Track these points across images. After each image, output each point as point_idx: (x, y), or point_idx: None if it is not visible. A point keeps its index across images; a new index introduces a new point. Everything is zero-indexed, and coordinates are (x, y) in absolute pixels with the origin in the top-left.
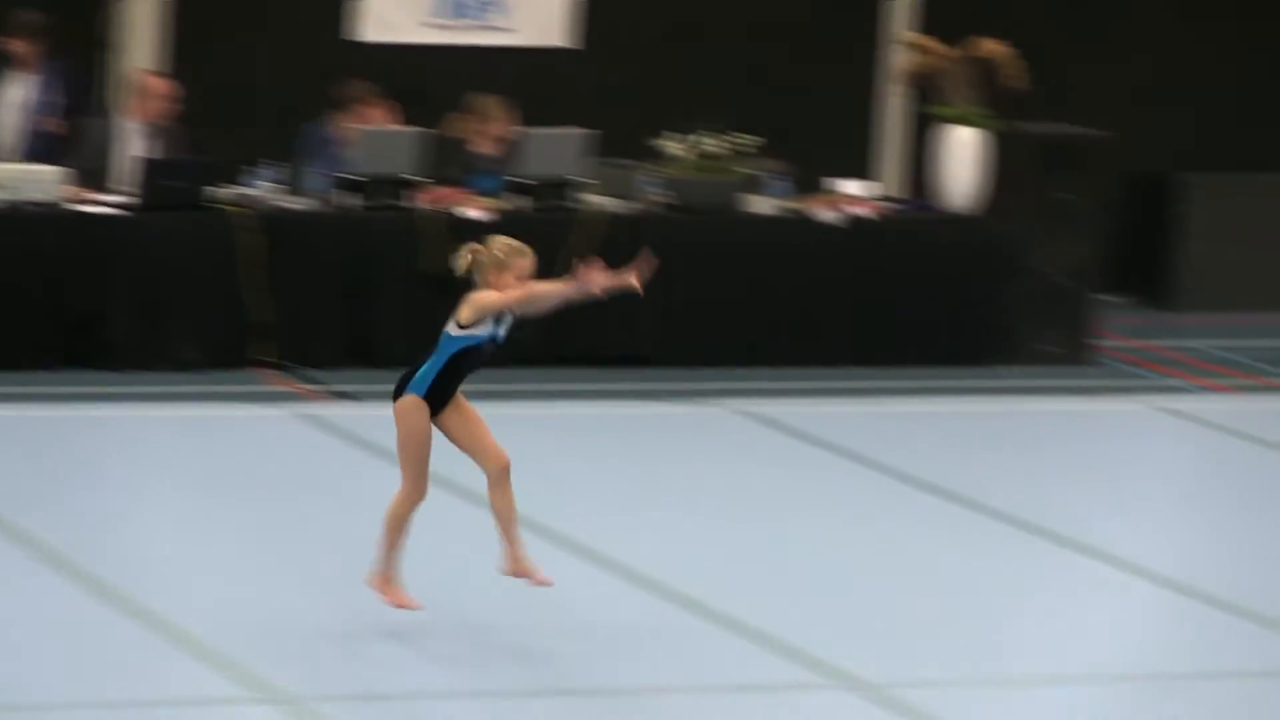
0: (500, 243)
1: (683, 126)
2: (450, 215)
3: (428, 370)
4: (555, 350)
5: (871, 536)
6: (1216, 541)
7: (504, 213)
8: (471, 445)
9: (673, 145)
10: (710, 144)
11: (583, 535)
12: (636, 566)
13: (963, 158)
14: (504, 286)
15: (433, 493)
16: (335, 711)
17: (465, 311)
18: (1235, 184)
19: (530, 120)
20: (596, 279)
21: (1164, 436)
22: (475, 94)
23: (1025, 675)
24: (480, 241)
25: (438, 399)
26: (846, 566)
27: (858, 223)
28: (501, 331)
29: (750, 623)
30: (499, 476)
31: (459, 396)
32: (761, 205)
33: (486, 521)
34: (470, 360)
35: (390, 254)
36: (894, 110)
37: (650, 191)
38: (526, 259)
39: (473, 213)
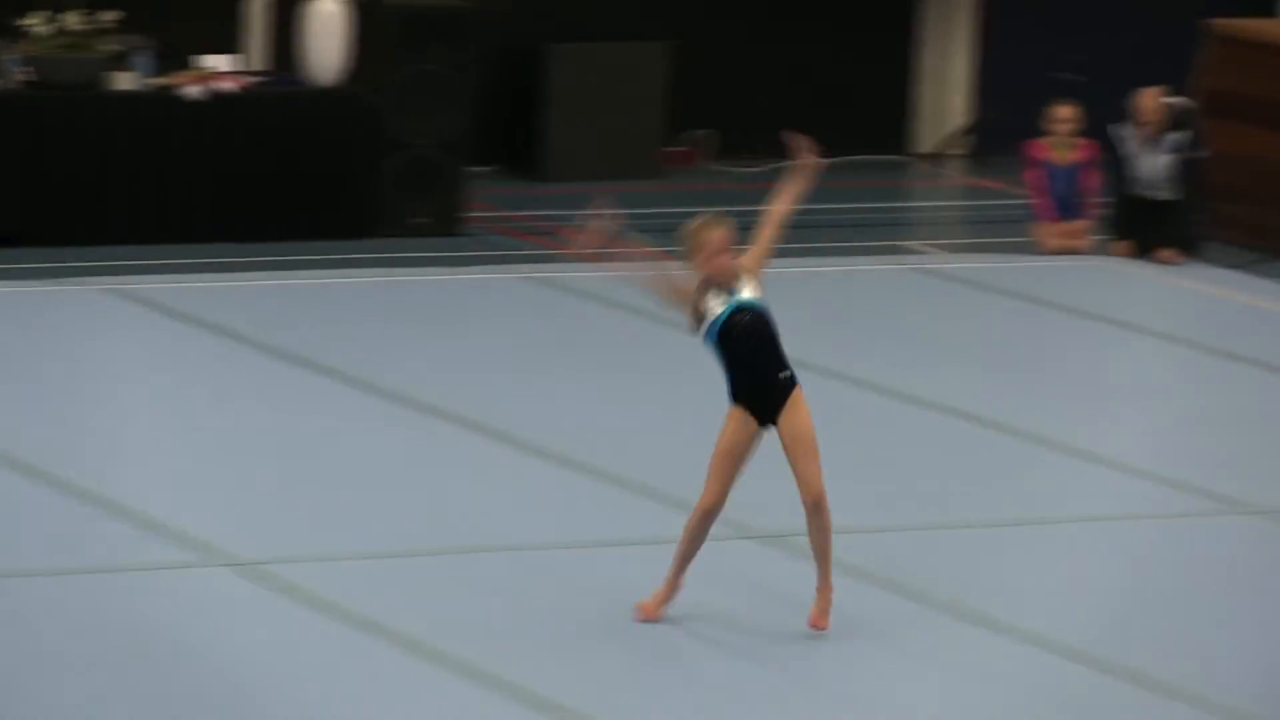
0: (690, 226)
1: (47, 4)
2: None
3: (728, 373)
4: None
5: (242, 413)
6: (601, 411)
7: None
8: (791, 464)
9: (35, 23)
10: (74, 21)
11: None
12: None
13: (328, 30)
14: (706, 267)
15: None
16: None
17: (687, 305)
18: (600, 53)
19: None
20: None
21: (533, 305)
22: None
23: (410, 549)
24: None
25: (750, 397)
26: (220, 445)
27: (224, 97)
28: (743, 293)
29: (126, 504)
30: (809, 509)
31: (795, 398)
32: (126, 82)
33: None
34: (737, 341)
35: None
36: None
37: (14, 70)
38: (714, 232)
39: None
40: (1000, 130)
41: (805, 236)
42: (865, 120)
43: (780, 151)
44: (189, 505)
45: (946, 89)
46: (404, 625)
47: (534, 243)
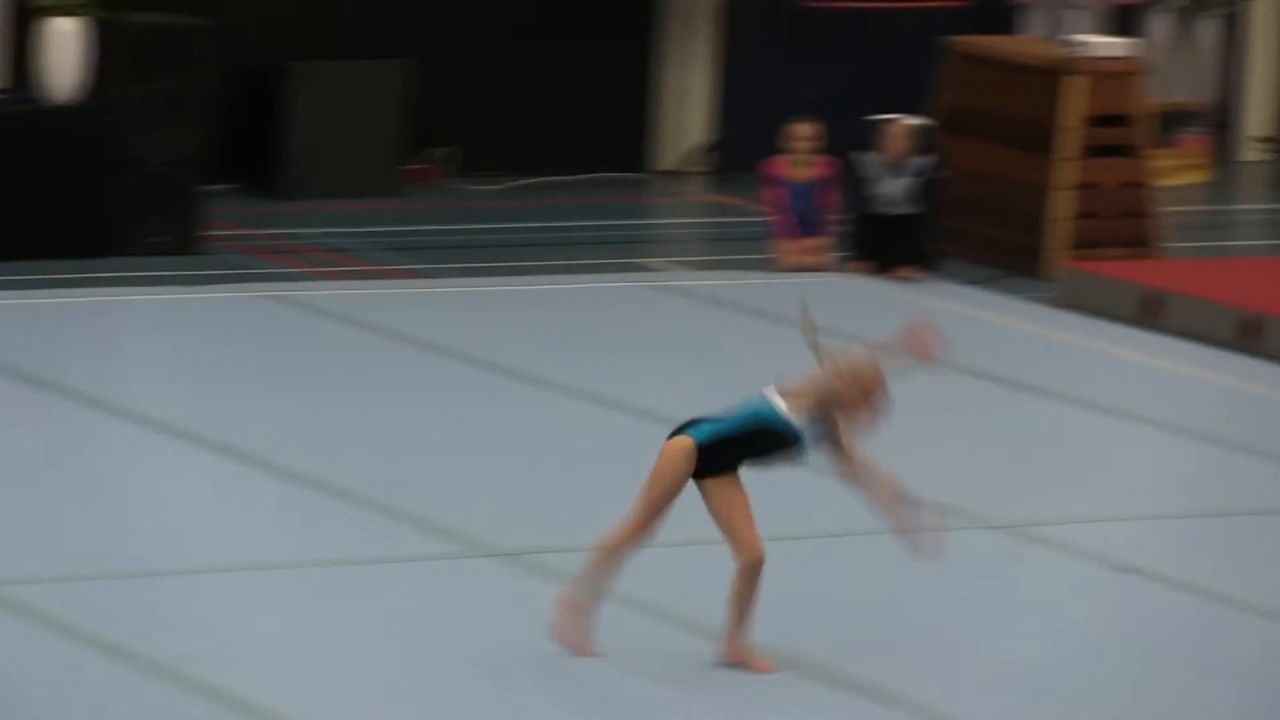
0: (874, 373)
1: None
2: None
3: (722, 425)
4: None
5: None
6: (336, 428)
7: None
8: (727, 526)
9: None
10: None
11: None
12: None
13: (65, 48)
14: (855, 402)
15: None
16: None
17: (799, 384)
18: (340, 71)
19: None
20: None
21: (271, 323)
22: None
23: (145, 569)
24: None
25: (715, 462)
26: None
27: None
28: (823, 451)
29: None
30: (747, 571)
31: (736, 474)
32: None
33: None
34: (770, 445)
35: None
36: None
37: None
38: (884, 401)
39: None
40: (740, 148)
41: (545, 254)
42: (605, 137)
43: (520, 168)
44: None
45: (687, 106)
46: (143, 647)
47: (273, 261)
